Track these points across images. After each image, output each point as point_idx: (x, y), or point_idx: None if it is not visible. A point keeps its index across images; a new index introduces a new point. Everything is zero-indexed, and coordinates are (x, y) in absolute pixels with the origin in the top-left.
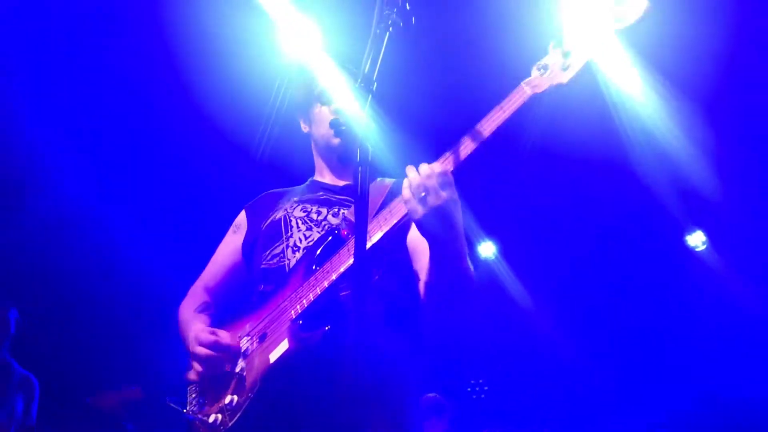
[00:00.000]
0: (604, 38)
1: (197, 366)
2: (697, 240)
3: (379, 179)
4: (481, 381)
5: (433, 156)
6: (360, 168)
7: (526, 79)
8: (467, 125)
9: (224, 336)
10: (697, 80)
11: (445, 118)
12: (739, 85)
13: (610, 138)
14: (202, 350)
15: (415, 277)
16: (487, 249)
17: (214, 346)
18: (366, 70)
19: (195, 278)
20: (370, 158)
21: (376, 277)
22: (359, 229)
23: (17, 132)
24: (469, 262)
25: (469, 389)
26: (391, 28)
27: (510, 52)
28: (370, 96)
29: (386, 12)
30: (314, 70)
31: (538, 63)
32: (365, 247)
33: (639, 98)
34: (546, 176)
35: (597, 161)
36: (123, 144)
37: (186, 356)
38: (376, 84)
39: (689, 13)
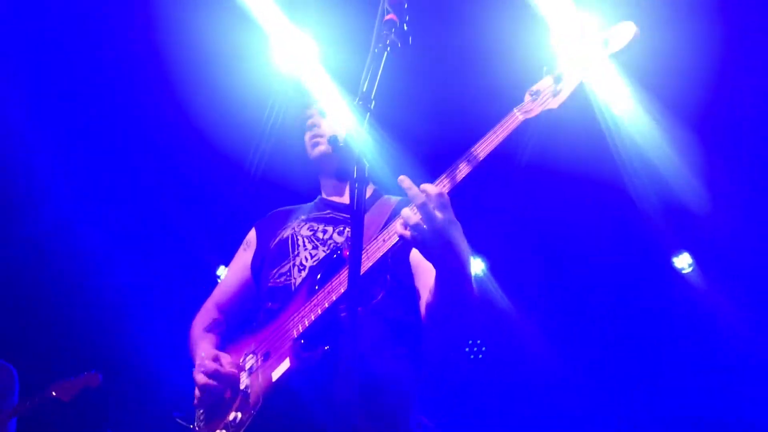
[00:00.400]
0: (593, 65)
1: (197, 392)
2: (683, 262)
3: (385, 197)
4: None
5: (430, 172)
6: (356, 184)
7: (519, 105)
8: (464, 142)
9: (226, 363)
10: (689, 101)
11: (443, 135)
12: (731, 106)
13: (599, 158)
14: (202, 378)
15: (417, 295)
16: (476, 266)
17: (214, 374)
18: (364, 89)
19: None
20: (366, 175)
21: (379, 297)
22: (354, 249)
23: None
24: (473, 283)
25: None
26: (389, 48)
27: (506, 71)
28: (368, 114)
29: (384, 32)
30: (308, 83)
31: (531, 89)
32: (359, 266)
33: (629, 118)
34: (535, 193)
35: (586, 181)
36: (114, 156)
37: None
38: (374, 102)
39: (680, 33)
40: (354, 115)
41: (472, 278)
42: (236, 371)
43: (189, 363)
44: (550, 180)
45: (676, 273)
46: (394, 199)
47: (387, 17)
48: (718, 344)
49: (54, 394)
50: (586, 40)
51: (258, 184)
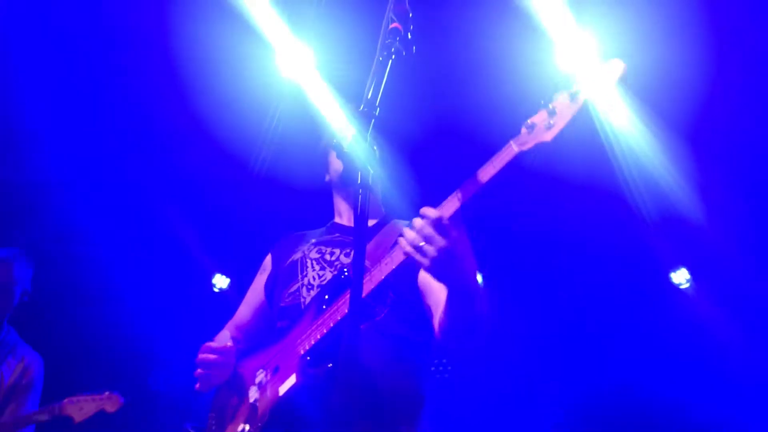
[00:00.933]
0: (581, 103)
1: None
2: (681, 278)
3: (394, 221)
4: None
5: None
6: (360, 191)
7: (515, 137)
8: (466, 154)
9: (223, 341)
10: (688, 114)
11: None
12: (731, 123)
13: (598, 174)
14: (202, 355)
15: (426, 313)
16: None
17: (206, 349)
18: (369, 96)
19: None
20: (371, 181)
21: (382, 315)
22: (357, 259)
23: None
24: (482, 298)
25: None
26: (393, 56)
27: (508, 84)
28: (373, 121)
29: (389, 41)
30: (309, 91)
31: (527, 121)
32: (362, 278)
33: (629, 133)
34: (532, 208)
35: (584, 196)
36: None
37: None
38: (378, 110)
39: (677, 46)
40: (358, 122)
41: (481, 294)
42: (231, 348)
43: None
44: (549, 194)
45: (673, 288)
46: (403, 223)
47: (392, 26)
48: (716, 359)
49: (65, 411)
50: (576, 76)
51: (258, 191)
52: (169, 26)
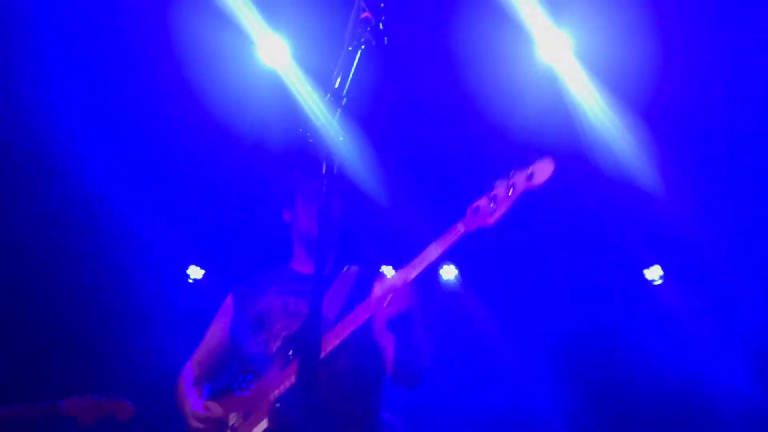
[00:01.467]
0: (518, 196)
1: None
2: (654, 274)
3: (346, 269)
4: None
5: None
6: (325, 180)
7: (462, 219)
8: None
9: (215, 409)
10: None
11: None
12: (713, 118)
13: (573, 168)
14: (196, 423)
15: (380, 354)
16: (449, 272)
17: (206, 420)
18: (336, 85)
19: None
20: (336, 171)
21: (342, 363)
22: (316, 294)
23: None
24: (429, 341)
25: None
26: (363, 46)
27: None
28: (340, 110)
29: (359, 30)
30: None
31: (472, 205)
32: (320, 342)
33: (605, 125)
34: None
35: (558, 189)
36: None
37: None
38: (345, 99)
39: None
40: (326, 111)
41: (430, 337)
42: (223, 417)
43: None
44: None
45: (647, 284)
46: (353, 269)
47: (363, 15)
48: (689, 356)
49: (69, 411)
50: (515, 173)
51: (235, 180)
52: (148, 18)
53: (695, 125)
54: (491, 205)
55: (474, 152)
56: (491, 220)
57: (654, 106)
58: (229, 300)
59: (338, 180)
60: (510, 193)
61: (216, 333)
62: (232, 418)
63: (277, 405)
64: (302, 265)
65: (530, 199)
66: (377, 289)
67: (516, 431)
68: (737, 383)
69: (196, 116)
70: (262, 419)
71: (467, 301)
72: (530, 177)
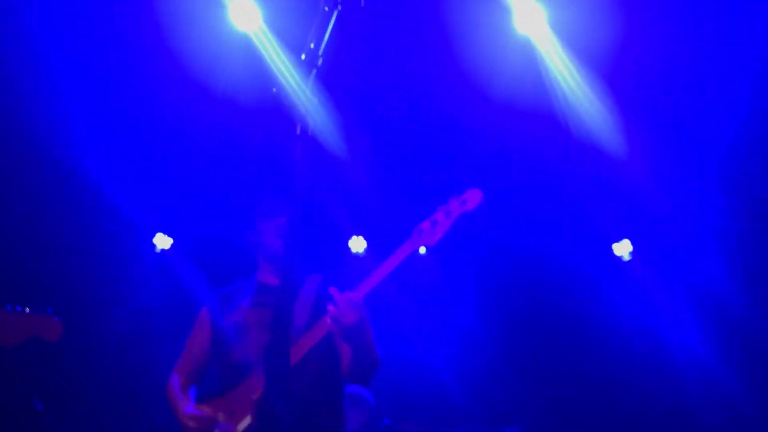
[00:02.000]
0: (453, 216)
1: None
2: (623, 249)
3: (310, 278)
4: None
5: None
6: (299, 141)
7: (408, 240)
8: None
9: (205, 410)
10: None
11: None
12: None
13: (544, 140)
14: (193, 423)
15: (338, 359)
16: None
17: (199, 419)
18: (311, 46)
19: None
20: (310, 133)
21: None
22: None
23: None
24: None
25: None
26: (339, 7)
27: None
28: (314, 71)
29: None
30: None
31: (417, 227)
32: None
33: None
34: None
35: (524, 163)
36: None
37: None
38: (321, 59)
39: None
40: (298, 75)
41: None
42: (213, 416)
43: None
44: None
45: (616, 260)
46: (316, 278)
47: None
48: (659, 334)
49: None
50: (451, 200)
51: (206, 146)
52: None
53: (667, 96)
54: (432, 227)
55: (449, 119)
56: (433, 240)
57: (626, 78)
58: (204, 312)
59: (310, 143)
60: (447, 218)
61: (195, 344)
62: (220, 417)
63: (258, 403)
64: (268, 276)
65: (504, 170)
66: (331, 308)
67: (477, 412)
68: (706, 359)
69: (167, 82)
70: (246, 415)
71: (434, 274)
72: (464, 203)
